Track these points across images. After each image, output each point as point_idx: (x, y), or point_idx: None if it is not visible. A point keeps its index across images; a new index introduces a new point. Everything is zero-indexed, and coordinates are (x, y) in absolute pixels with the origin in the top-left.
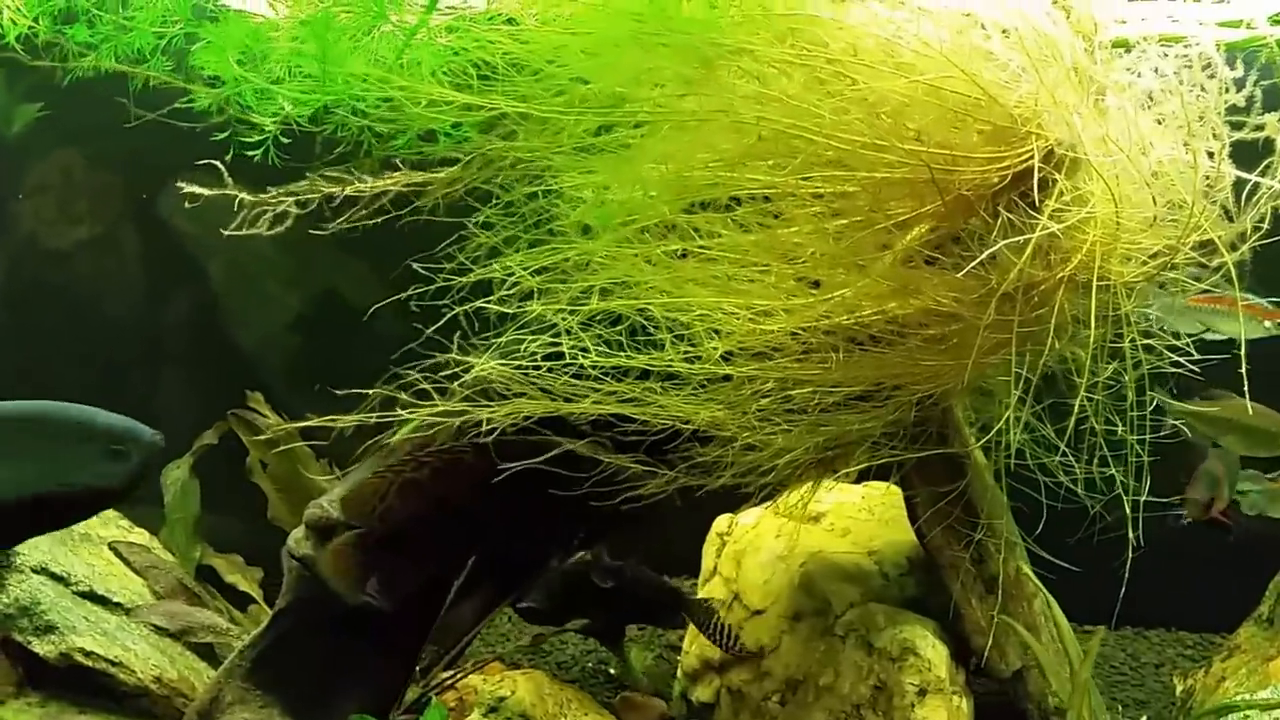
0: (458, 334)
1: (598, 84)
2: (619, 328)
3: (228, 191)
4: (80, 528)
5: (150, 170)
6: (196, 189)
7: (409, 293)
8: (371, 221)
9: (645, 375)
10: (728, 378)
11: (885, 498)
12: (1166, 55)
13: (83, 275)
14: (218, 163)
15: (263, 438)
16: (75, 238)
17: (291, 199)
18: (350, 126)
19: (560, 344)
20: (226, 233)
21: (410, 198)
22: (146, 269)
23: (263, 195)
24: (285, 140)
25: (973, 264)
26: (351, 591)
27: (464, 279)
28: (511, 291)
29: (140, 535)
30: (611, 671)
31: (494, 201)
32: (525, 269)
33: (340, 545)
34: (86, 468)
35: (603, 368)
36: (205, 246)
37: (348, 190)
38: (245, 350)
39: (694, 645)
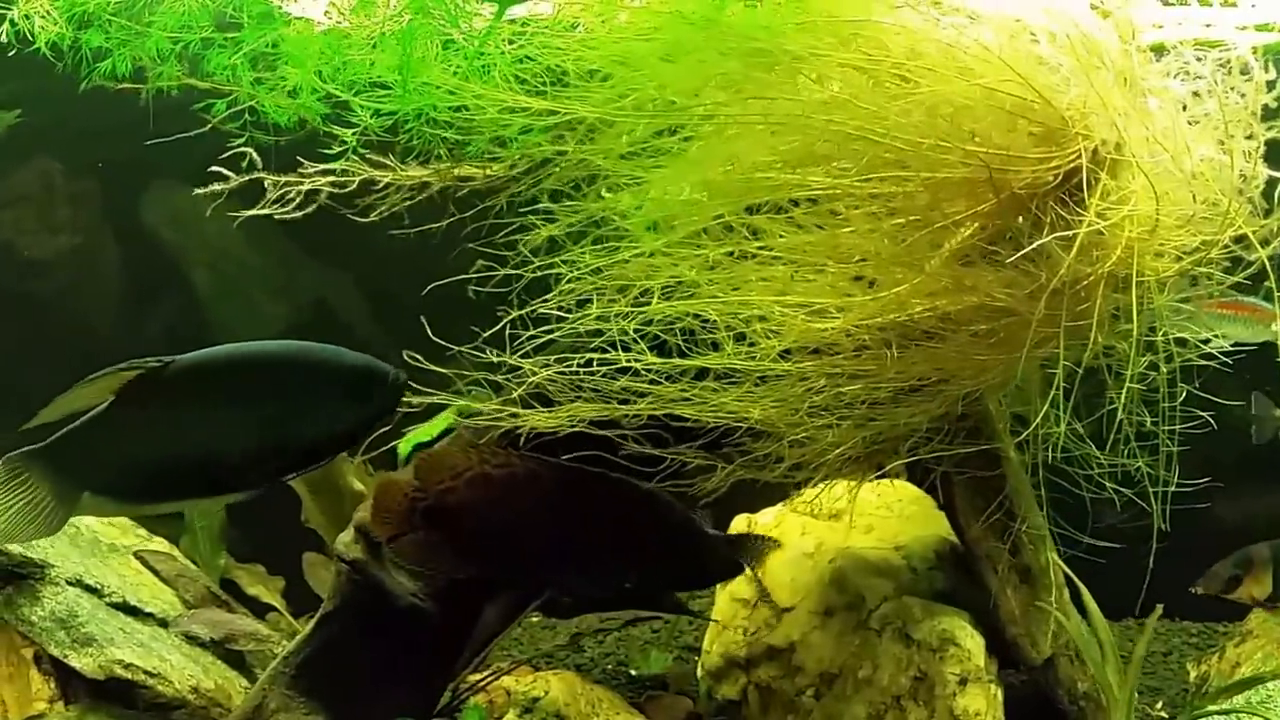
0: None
1: (667, 89)
2: (675, 327)
3: (256, 175)
4: (106, 538)
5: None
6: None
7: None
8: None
9: (701, 375)
10: (781, 375)
11: (903, 495)
12: (1201, 59)
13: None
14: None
15: None
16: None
17: (327, 179)
18: (423, 134)
19: (614, 345)
20: (254, 212)
21: (474, 199)
22: (130, 278)
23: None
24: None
25: (1019, 255)
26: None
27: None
28: (569, 294)
29: (160, 543)
30: (633, 672)
31: (559, 202)
32: (585, 269)
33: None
34: (332, 410)
35: (656, 368)
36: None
37: (388, 178)
38: None
39: (715, 644)
